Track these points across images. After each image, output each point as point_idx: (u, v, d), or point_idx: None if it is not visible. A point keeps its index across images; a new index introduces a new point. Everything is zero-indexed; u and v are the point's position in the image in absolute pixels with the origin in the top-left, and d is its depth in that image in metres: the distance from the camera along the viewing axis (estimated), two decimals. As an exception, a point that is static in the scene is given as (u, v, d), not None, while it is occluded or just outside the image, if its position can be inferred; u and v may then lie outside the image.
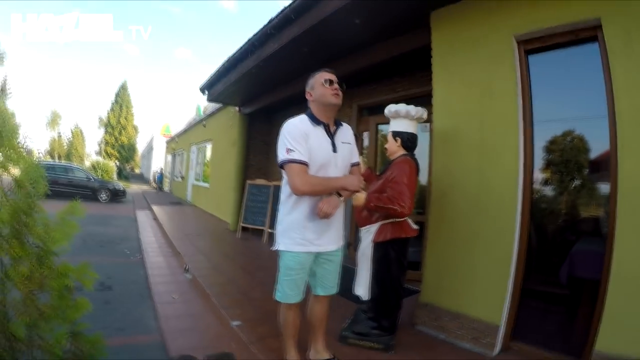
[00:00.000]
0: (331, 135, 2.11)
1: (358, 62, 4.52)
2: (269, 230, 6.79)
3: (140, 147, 54.75)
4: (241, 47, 5.22)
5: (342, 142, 2.16)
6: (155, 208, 12.13)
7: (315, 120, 2.07)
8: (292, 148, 1.93)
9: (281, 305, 2.22)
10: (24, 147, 1.60)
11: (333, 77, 2.10)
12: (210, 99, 8.07)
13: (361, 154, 5.97)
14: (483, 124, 2.72)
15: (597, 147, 2.61)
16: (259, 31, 4.58)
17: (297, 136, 1.96)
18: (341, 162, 2.14)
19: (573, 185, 2.88)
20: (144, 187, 29.27)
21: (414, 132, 2.69)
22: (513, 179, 2.55)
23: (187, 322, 3.48)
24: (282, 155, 1.96)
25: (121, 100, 49.70)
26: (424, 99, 4.75)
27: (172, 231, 7.86)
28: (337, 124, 2.19)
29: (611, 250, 2.17)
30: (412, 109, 2.66)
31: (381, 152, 5.67)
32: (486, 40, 2.73)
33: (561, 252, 2.78)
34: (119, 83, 64.33)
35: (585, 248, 2.69)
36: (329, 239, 2.15)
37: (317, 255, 2.15)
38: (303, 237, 2.05)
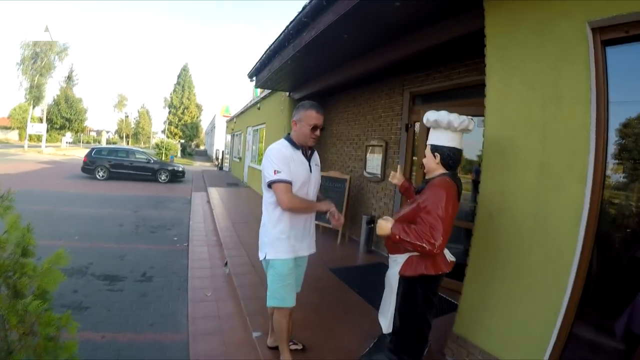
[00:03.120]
0: (307, 158, 2.45)
1: (402, 50, 4.07)
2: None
3: (205, 124, 57.55)
4: (279, 36, 4.96)
5: (315, 165, 2.53)
6: (210, 190, 12.46)
7: (295, 145, 2.39)
8: (278, 169, 2.24)
9: (277, 312, 2.50)
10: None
11: (319, 121, 2.36)
12: (258, 86, 7.97)
13: (413, 148, 5.50)
14: (545, 137, 2.18)
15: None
16: (294, 19, 4.26)
17: (282, 159, 2.27)
18: (314, 182, 2.50)
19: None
20: (207, 165, 30.66)
21: (458, 146, 2.21)
22: (576, 212, 2.03)
23: (213, 324, 3.47)
24: (270, 176, 2.26)
25: (183, 82, 52.59)
26: (483, 88, 4.23)
27: (220, 217, 7.97)
28: (313, 149, 2.53)
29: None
30: (455, 119, 2.14)
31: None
32: (553, 28, 2.16)
33: (622, 299, 2.27)
34: (182, 64, 68.27)
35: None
36: (306, 246, 2.54)
37: (295, 259, 2.48)
38: (289, 245, 2.40)
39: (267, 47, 5.70)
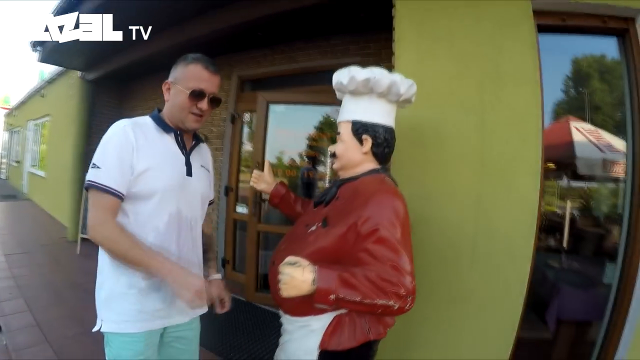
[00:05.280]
0: (185, 150, 1.35)
1: (238, 14, 3.09)
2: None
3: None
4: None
5: (201, 166, 1.42)
6: (-30, 207, 8.61)
7: (163, 124, 1.32)
8: (99, 164, 1.17)
9: None
10: None
11: (208, 84, 1.28)
12: (43, 59, 5.48)
13: (240, 143, 4.52)
14: (485, 123, 1.66)
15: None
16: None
17: (116, 144, 1.19)
18: (196, 194, 1.36)
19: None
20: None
21: (393, 126, 1.34)
22: (530, 211, 1.60)
23: None
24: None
25: None
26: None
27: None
28: (196, 139, 1.43)
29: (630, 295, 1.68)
30: (402, 82, 1.27)
31: (273, 145, 4.19)
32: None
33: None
34: None
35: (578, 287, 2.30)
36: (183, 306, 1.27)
37: (163, 332, 1.33)
38: (142, 309, 1.23)
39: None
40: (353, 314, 1.18)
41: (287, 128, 4.15)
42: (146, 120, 1.31)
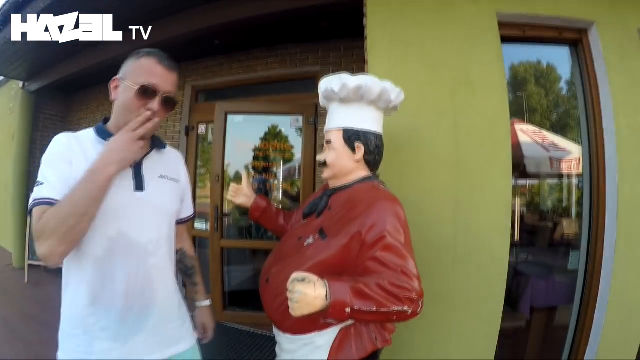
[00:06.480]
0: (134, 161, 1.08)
1: (193, 22, 2.96)
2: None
3: None
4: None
5: (161, 177, 1.17)
6: None
7: (104, 135, 1.09)
8: (42, 180, 0.98)
9: None
10: None
11: (162, 80, 1.07)
12: None
13: (196, 157, 4.21)
14: (458, 127, 1.69)
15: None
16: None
17: (58, 154, 1.02)
18: (153, 211, 1.12)
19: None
20: None
21: (382, 133, 1.30)
22: (505, 210, 1.65)
23: None
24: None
25: None
26: (298, 84, 3.57)
27: None
28: (155, 144, 1.20)
29: (598, 280, 1.80)
30: (392, 90, 1.26)
31: (234, 158, 3.91)
32: (459, 10, 1.74)
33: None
34: None
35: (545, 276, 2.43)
36: (150, 343, 1.08)
37: None
38: (89, 350, 1.01)
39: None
40: (358, 325, 1.13)
41: (243, 139, 3.95)
42: (88, 133, 1.11)
